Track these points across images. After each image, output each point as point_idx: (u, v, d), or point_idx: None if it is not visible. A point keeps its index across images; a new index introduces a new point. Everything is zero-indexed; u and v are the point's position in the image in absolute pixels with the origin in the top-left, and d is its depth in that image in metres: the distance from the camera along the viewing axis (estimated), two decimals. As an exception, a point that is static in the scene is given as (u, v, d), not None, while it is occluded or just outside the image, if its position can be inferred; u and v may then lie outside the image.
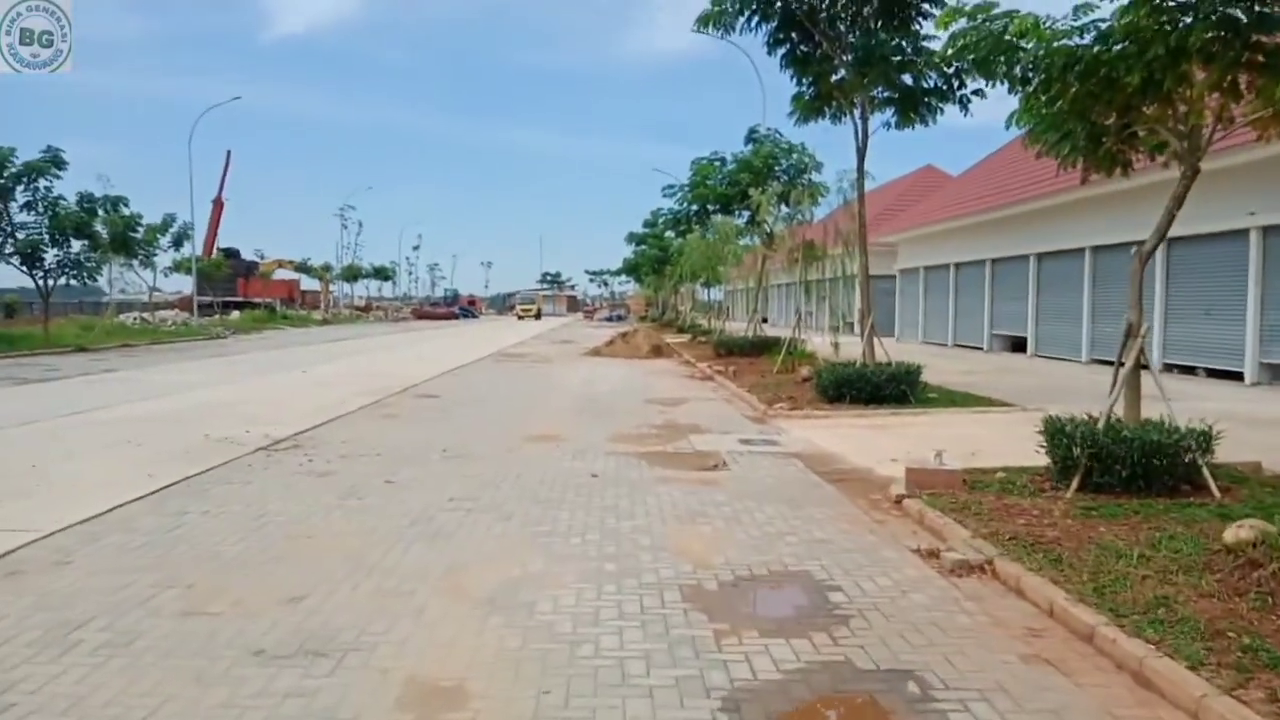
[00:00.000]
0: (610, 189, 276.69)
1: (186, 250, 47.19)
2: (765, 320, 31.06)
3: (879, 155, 43.91)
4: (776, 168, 27.33)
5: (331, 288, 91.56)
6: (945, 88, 16.03)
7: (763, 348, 27.09)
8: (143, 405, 15.56)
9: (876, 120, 16.79)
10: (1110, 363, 8.99)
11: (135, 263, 41.54)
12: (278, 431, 12.37)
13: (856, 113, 16.54)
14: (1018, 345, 30.25)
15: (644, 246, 58.29)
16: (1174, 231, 9.70)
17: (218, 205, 73.29)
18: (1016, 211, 28.90)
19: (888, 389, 15.31)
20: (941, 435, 12.54)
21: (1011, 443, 11.86)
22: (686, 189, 29.31)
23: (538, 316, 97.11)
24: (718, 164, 28.62)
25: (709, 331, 37.89)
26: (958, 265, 34.78)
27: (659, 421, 14.16)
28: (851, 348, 21.01)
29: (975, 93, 15.94)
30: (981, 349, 32.01)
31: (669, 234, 37.38)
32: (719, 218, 30.91)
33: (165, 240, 42.07)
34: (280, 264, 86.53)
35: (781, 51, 16.84)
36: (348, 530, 7.27)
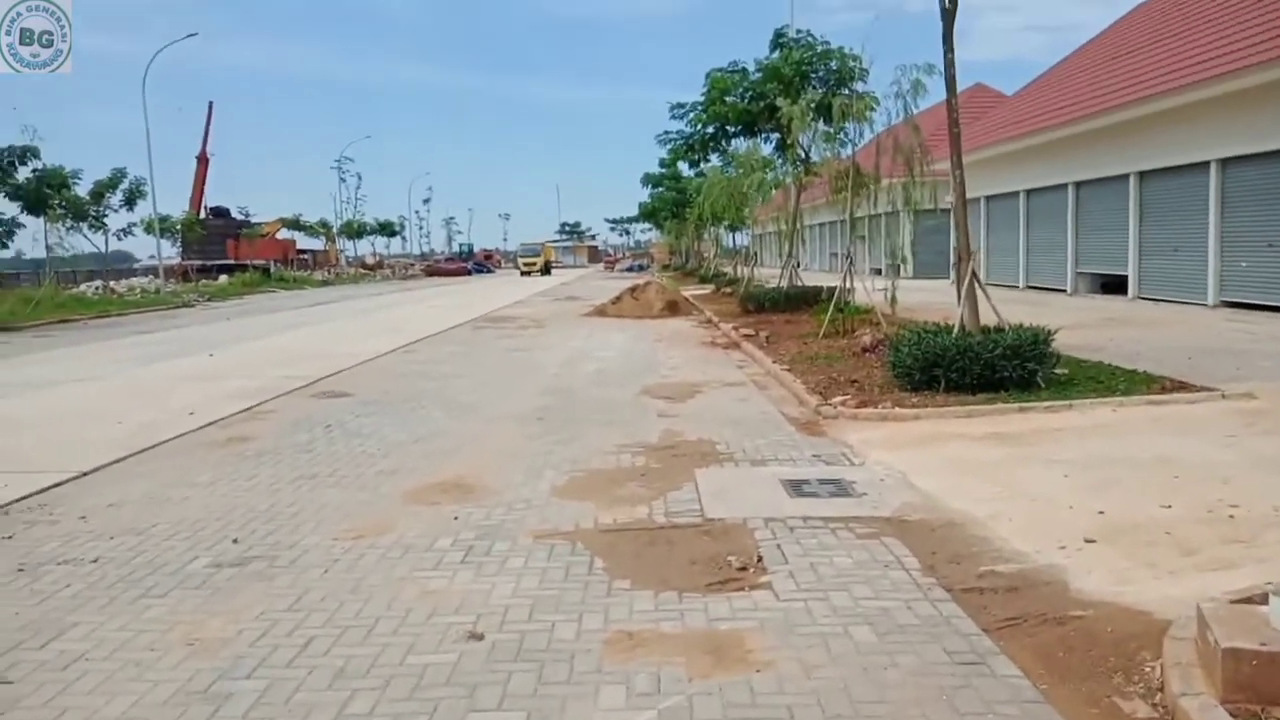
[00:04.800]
0: (630, 135, 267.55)
1: (144, 210, 41.99)
2: (799, 265, 25.62)
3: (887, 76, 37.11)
4: (812, 75, 21.71)
5: (340, 246, 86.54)
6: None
7: (800, 301, 21.80)
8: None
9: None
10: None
11: (84, 225, 36.68)
12: (7, 489, 7.36)
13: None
14: (1111, 286, 24.65)
15: (660, 189, 52.61)
16: None
17: (202, 161, 68.07)
18: (1111, 121, 23.12)
19: (1005, 369, 10.04)
20: (1126, 457, 7.30)
21: (1266, 476, 6.60)
22: (700, 108, 23.70)
23: (546, 271, 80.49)
24: (737, 75, 22.97)
25: (735, 281, 32.50)
26: (1029, 192, 29.05)
27: (654, 436, 8.99)
28: (906, 295, 15.81)
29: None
30: (1064, 291, 26.46)
31: (681, 165, 31.80)
32: (741, 143, 25.35)
33: (116, 199, 37.13)
34: (284, 223, 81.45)
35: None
36: None
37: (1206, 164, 19.77)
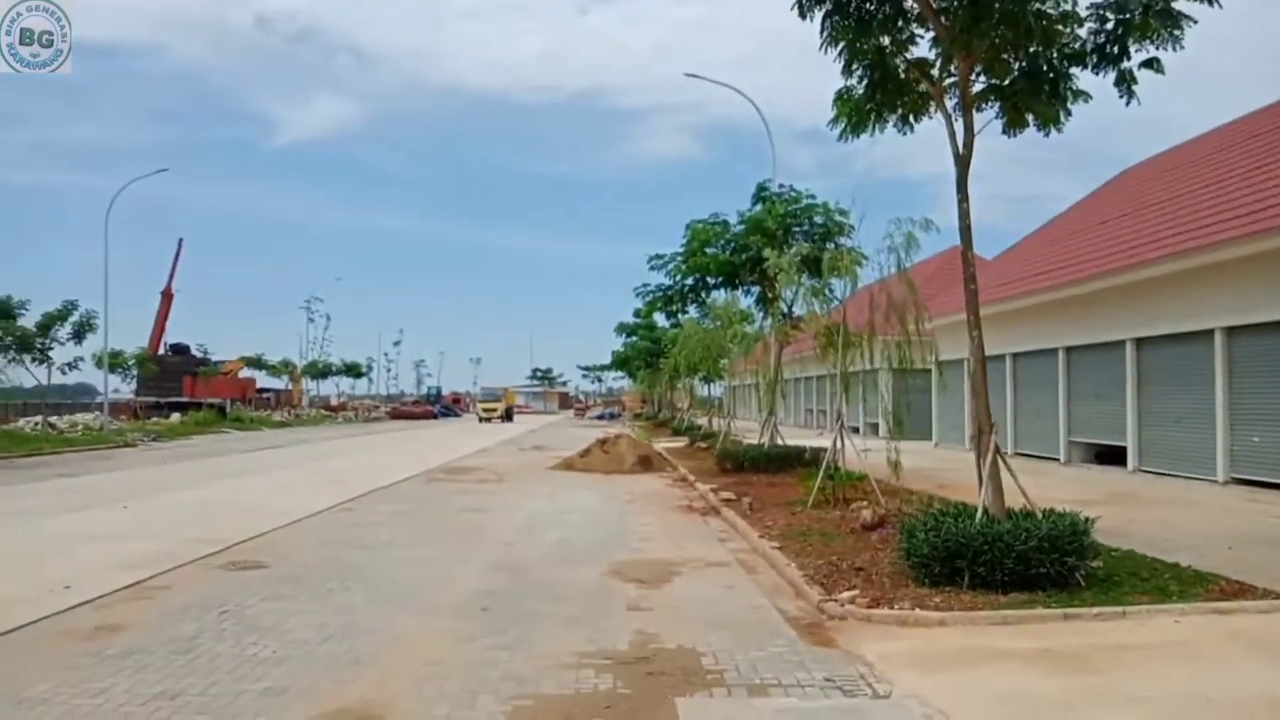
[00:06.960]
0: (606, 285, 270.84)
1: (94, 344, 40.38)
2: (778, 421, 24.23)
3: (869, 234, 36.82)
4: (796, 229, 20.94)
5: (305, 386, 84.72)
6: (1098, 50, 9.70)
7: (782, 462, 20.25)
8: None
9: (980, 119, 10.36)
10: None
11: (27, 357, 34.97)
12: None
13: (952, 103, 10.16)
14: (1106, 456, 23.34)
15: (634, 338, 51.88)
16: None
17: (167, 297, 66.79)
18: (1104, 285, 22.38)
19: (1040, 564, 8.44)
20: (1226, 697, 5.65)
21: None
22: (679, 259, 22.81)
23: (507, 417, 75.99)
24: (719, 226, 22.18)
25: (710, 435, 31.05)
26: (1016, 355, 28.13)
27: (623, 641, 7.22)
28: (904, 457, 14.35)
29: (1148, 63, 9.65)
30: (1056, 459, 25.14)
31: (657, 316, 30.86)
32: (720, 295, 24.38)
33: (64, 332, 35.55)
34: (246, 361, 79.72)
35: (824, 10, 10.35)
36: None
37: (1210, 332, 18.84)
